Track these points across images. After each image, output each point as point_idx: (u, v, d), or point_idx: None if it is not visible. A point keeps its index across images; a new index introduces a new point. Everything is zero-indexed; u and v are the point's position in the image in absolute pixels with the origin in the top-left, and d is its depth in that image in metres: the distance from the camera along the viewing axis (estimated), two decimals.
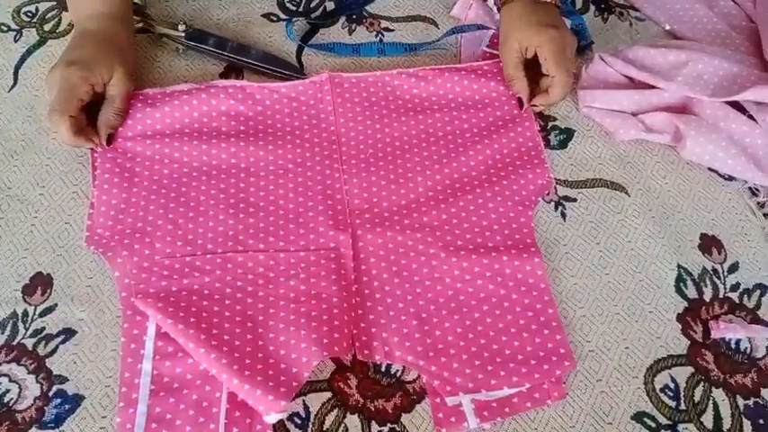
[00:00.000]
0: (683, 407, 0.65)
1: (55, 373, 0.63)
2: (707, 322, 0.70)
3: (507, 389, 0.62)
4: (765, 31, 0.88)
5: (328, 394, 0.63)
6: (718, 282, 0.73)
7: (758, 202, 0.79)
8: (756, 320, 0.71)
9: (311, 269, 0.68)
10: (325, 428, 0.61)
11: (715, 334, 0.69)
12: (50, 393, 0.62)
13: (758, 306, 0.72)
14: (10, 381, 0.62)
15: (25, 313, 0.66)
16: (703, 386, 0.66)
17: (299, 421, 0.62)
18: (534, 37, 0.77)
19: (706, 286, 0.72)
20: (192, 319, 0.62)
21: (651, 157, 0.81)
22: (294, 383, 0.60)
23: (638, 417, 0.64)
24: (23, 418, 0.60)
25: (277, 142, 0.77)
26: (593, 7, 0.96)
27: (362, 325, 0.66)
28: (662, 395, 0.65)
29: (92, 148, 0.74)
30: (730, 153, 0.77)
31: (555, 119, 0.83)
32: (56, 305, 0.66)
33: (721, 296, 0.72)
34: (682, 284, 0.72)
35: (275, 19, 0.91)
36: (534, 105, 0.80)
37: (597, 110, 0.82)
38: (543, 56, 0.77)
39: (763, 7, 0.91)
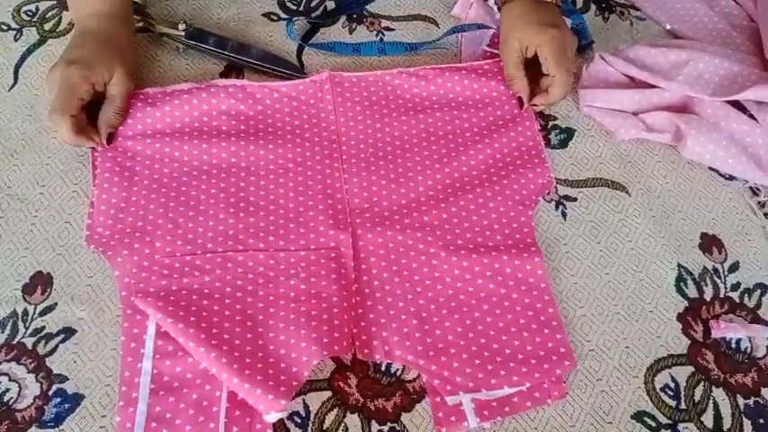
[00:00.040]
0: (683, 406, 0.65)
1: (55, 372, 0.63)
2: (707, 322, 0.70)
3: (507, 388, 0.62)
4: (766, 30, 0.88)
5: (328, 393, 0.63)
6: (718, 281, 0.73)
7: (759, 202, 0.79)
8: (757, 320, 0.71)
9: (311, 268, 0.68)
10: (325, 428, 0.61)
11: (715, 333, 0.69)
12: (50, 392, 0.62)
13: (758, 306, 0.72)
14: (10, 380, 0.62)
15: (25, 312, 0.66)
16: (704, 385, 0.66)
17: (299, 420, 0.62)
18: (535, 36, 0.77)
19: (706, 286, 0.72)
20: (192, 319, 0.62)
21: (652, 157, 0.81)
22: (294, 382, 0.60)
23: (639, 416, 0.64)
24: (23, 417, 0.60)
25: (277, 141, 0.77)
26: (593, 6, 0.96)
27: (362, 324, 0.66)
28: (662, 394, 0.65)
29: (92, 148, 0.74)
30: (731, 152, 0.77)
31: (555, 118, 0.83)
32: (56, 304, 0.66)
33: (722, 296, 0.72)
34: (682, 284, 0.72)
35: (276, 18, 0.91)
36: (534, 105, 0.80)
37: (598, 109, 0.82)
38: (543, 55, 0.77)
39: (764, 7, 0.91)
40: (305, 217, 0.72)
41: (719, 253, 0.75)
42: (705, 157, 0.78)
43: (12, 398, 0.61)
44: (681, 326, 0.69)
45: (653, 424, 0.64)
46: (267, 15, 0.91)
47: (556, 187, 0.78)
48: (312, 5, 0.93)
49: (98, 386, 0.62)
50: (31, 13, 0.88)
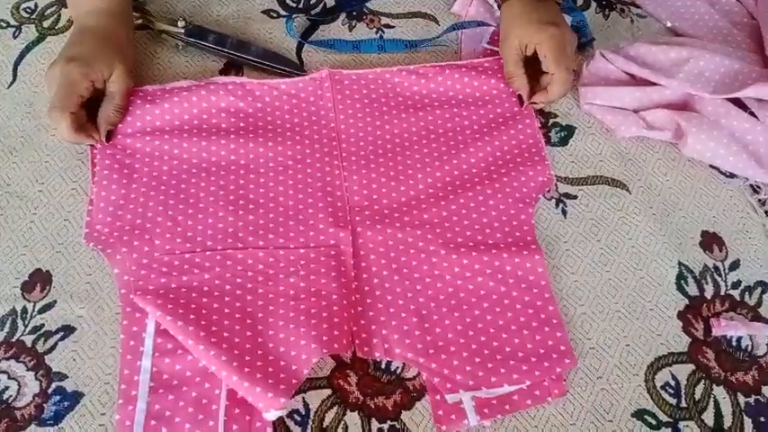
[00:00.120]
0: (683, 404, 0.65)
1: (54, 370, 0.62)
2: (708, 320, 0.70)
3: (508, 386, 0.62)
4: (767, 28, 0.88)
5: (328, 391, 0.63)
6: (719, 279, 0.73)
7: (759, 200, 0.79)
8: (757, 318, 0.70)
9: (311, 266, 0.68)
10: (324, 426, 0.61)
11: (716, 331, 0.69)
12: (49, 390, 0.61)
13: (759, 303, 0.71)
14: (9, 378, 0.62)
15: (24, 310, 0.66)
16: (704, 384, 0.66)
17: (298, 418, 0.62)
18: (534, 34, 0.77)
19: (707, 283, 0.72)
20: (192, 316, 0.62)
21: (652, 155, 0.81)
22: (294, 380, 0.59)
23: (639, 414, 0.64)
24: (22, 415, 0.60)
25: (277, 139, 0.77)
26: (594, 4, 0.96)
27: (362, 322, 0.66)
28: (663, 392, 0.65)
29: (91, 145, 0.74)
30: (731, 150, 0.77)
31: (556, 116, 0.83)
32: (55, 302, 0.66)
33: (722, 293, 0.72)
34: (683, 282, 0.72)
35: (275, 15, 0.91)
36: (534, 103, 0.80)
37: (598, 107, 0.82)
38: (543, 53, 0.77)
39: (765, 4, 0.91)
40: (304, 214, 0.72)
41: (720, 251, 0.75)
42: (706, 154, 0.78)
43: (11, 396, 0.61)
44: (681, 324, 0.69)
45: (653, 422, 0.63)
46: (267, 12, 0.91)
47: (556, 185, 0.77)
48: (312, 2, 0.93)
49: (97, 384, 0.62)
50: (30, 10, 0.88)
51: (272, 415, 0.58)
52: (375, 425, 0.62)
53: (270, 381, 0.59)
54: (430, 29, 0.91)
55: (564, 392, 0.63)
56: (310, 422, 0.61)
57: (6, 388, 0.61)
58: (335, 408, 0.62)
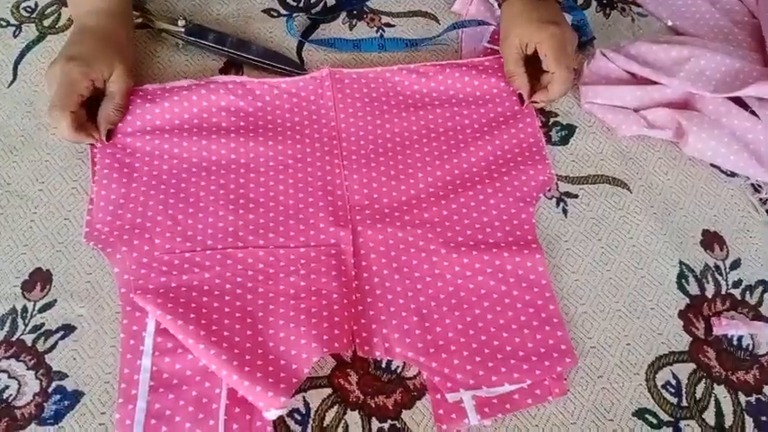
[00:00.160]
0: (684, 403, 0.65)
1: (54, 369, 0.62)
2: (709, 319, 0.70)
3: (508, 385, 0.62)
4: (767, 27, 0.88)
5: (328, 390, 0.63)
6: (720, 278, 0.72)
7: (760, 199, 0.78)
8: (758, 317, 0.70)
9: (311, 265, 0.68)
10: (325, 425, 0.61)
11: (717, 330, 0.69)
12: (50, 389, 0.61)
13: (760, 303, 0.71)
14: (9, 377, 0.62)
15: (24, 309, 0.65)
16: (705, 383, 0.66)
17: (299, 417, 0.62)
18: (534, 33, 0.77)
19: (708, 283, 0.72)
20: (192, 315, 0.62)
21: (653, 153, 0.81)
22: (294, 380, 0.59)
23: (640, 413, 0.64)
24: (23, 414, 0.60)
25: (277, 138, 0.77)
26: (594, 3, 0.96)
27: (363, 321, 0.65)
28: (664, 392, 0.65)
29: (91, 144, 0.74)
30: (732, 149, 0.77)
31: (556, 115, 0.83)
32: (55, 301, 0.66)
33: (723, 293, 0.72)
34: (683, 281, 0.72)
35: (275, 14, 0.90)
36: (534, 102, 0.80)
37: (599, 106, 0.82)
38: (543, 52, 0.77)
39: (766, 4, 0.91)
40: (305, 214, 0.72)
41: (721, 250, 0.74)
42: (707, 153, 0.78)
43: (11, 395, 0.61)
44: (682, 323, 0.69)
45: (654, 421, 0.63)
46: (267, 11, 0.91)
47: (557, 184, 0.77)
48: (312, 1, 0.92)
49: (97, 383, 0.62)
50: (30, 10, 0.88)
51: (272, 414, 0.58)
52: (375, 424, 0.62)
53: (270, 380, 0.59)
54: (430, 28, 0.91)
55: (564, 392, 0.63)
56: (310, 421, 0.61)
57: (6, 387, 0.61)
58: (336, 407, 0.62)
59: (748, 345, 0.68)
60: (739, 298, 0.71)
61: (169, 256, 0.67)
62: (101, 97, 0.74)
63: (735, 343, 0.68)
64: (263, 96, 0.80)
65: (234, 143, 0.75)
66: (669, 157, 0.80)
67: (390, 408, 0.62)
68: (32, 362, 0.63)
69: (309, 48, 0.87)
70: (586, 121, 0.83)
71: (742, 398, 0.65)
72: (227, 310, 0.64)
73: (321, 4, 0.92)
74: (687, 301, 0.71)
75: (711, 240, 0.75)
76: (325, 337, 0.62)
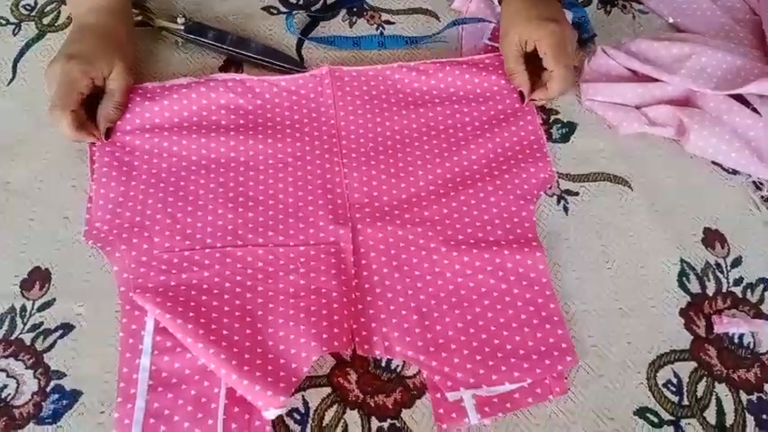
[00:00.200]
0: (685, 402, 0.64)
1: (53, 368, 0.62)
2: (710, 317, 0.69)
3: (508, 384, 0.62)
4: None
5: (328, 390, 0.63)
6: (721, 276, 0.72)
7: (762, 196, 0.78)
8: (759, 315, 0.70)
9: (311, 264, 0.68)
10: (324, 424, 0.61)
11: (718, 329, 0.68)
12: (48, 389, 0.61)
13: (761, 301, 0.71)
14: (8, 376, 0.62)
15: (23, 308, 0.65)
16: (706, 381, 0.66)
17: (298, 417, 0.61)
18: (534, 31, 0.77)
19: (709, 281, 0.72)
20: (191, 314, 0.62)
21: (654, 151, 0.80)
22: (293, 379, 0.59)
23: (641, 412, 0.63)
24: (21, 414, 0.60)
25: (277, 136, 0.77)
26: (595, 0, 0.96)
27: (362, 320, 0.65)
28: (665, 390, 0.65)
29: (90, 143, 0.74)
30: (734, 146, 0.77)
31: (557, 112, 0.83)
32: (54, 300, 0.66)
33: (724, 291, 0.71)
34: (684, 279, 0.71)
35: (275, 12, 0.90)
36: (534, 99, 0.80)
37: (600, 103, 0.82)
38: (543, 50, 0.77)
39: (767, 1, 0.90)
40: (304, 212, 0.72)
41: (722, 248, 0.74)
42: (708, 151, 0.78)
43: (9, 394, 0.61)
44: (683, 321, 0.69)
45: (655, 420, 0.63)
46: (267, 9, 0.91)
47: (557, 181, 0.77)
48: None
49: (96, 382, 0.62)
50: (29, 8, 0.88)
51: (271, 413, 0.58)
52: (375, 423, 0.61)
53: (269, 379, 0.58)
54: (430, 25, 0.91)
55: (565, 390, 0.63)
56: (310, 421, 0.61)
57: (5, 386, 0.61)
58: (335, 406, 0.62)
59: (749, 343, 0.68)
60: (740, 296, 0.71)
61: (168, 254, 0.67)
62: (100, 95, 0.74)
63: (736, 341, 0.68)
64: (262, 94, 0.79)
65: (233, 141, 0.75)
66: (670, 155, 0.80)
67: (390, 407, 0.62)
68: (31, 361, 0.63)
69: (309, 45, 0.87)
70: (587, 118, 0.82)
71: (743, 396, 0.65)
72: (226, 308, 0.64)
73: (321, 2, 0.92)
74: (688, 299, 0.70)
75: (712, 238, 0.75)
76: (324, 336, 0.62)
